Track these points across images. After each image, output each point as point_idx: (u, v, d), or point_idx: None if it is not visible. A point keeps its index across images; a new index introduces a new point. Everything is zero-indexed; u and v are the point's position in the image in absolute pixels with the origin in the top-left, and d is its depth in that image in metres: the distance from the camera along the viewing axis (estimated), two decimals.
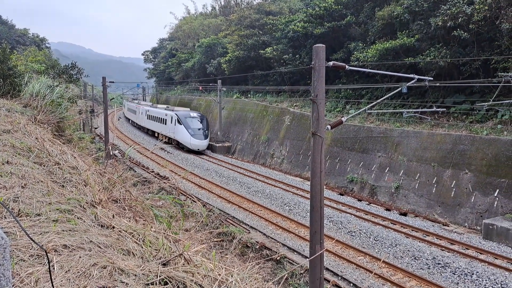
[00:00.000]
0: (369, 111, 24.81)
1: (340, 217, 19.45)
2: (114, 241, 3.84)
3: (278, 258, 15.00)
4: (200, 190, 24.67)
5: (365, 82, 29.40)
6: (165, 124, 41.18)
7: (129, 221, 4.93)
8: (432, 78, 12.18)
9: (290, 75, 38.75)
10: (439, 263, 14.53)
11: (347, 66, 8.29)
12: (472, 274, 13.64)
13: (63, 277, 2.97)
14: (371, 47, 27.69)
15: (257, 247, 16.19)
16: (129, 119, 64.85)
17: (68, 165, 6.60)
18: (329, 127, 8.41)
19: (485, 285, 13.05)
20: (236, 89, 46.82)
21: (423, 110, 19.43)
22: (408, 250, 15.65)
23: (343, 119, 8.82)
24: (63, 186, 5.59)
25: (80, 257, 3.27)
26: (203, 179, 27.33)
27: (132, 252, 3.71)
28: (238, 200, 22.67)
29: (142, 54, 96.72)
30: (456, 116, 23.12)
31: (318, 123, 7.89)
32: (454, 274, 13.86)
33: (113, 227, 4.28)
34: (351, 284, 13.21)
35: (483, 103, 18.14)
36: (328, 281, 13.05)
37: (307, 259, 13.01)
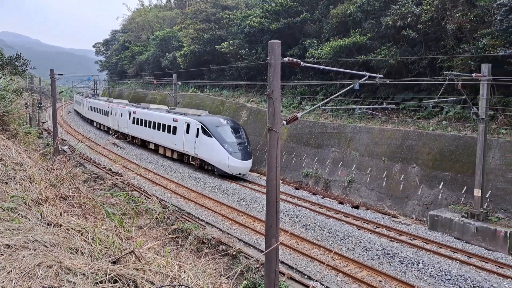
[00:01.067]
0: (323, 107, 25.38)
1: (295, 211, 19.79)
2: (61, 240, 3.69)
3: (234, 253, 15.04)
4: (154, 186, 24.21)
5: (320, 79, 29.98)
6: (174, 133, 29.88)
7: (78, 219, 4.76)
8: (382, 76, 12.64)
9: (246, 70, 38.79)
10: (388, 253, 15.17)
11: (302, 63, 8.41)
12: (419, 263, 14.36)
13: (5, 278, 2.84)
14: (326, 44, 28.28)
15: (213, 242, 16.14)
16: (92, 121, 52.54)
17: (12, 161, 6.27)
18: (284, 122, 8.51)
19: (430, 273, 13.77)
20: (192, 84, 46.24)
21: (374, 106, 20.20)
22: (360, 242, 16.20)
23: (299, 114, 8.95)
24: (7, 183, 5.31)
25: (23, 257, 3.12)
26: (158, 175, 26.84)
27: (81, 251, 3.58)
28: (194, 196, 22.46)
29: (94, 46, 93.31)
30: (405, 113, 24.11)
31: (274, 119, 7.96)
32: (402, 263, 14.52)
33: (60, 225, 4.12)
34: (306, 276, 13.49)
35: (430, 100, 19.04)
36: (283, 274, 13.26)
37: (263, 253, 13.15)
